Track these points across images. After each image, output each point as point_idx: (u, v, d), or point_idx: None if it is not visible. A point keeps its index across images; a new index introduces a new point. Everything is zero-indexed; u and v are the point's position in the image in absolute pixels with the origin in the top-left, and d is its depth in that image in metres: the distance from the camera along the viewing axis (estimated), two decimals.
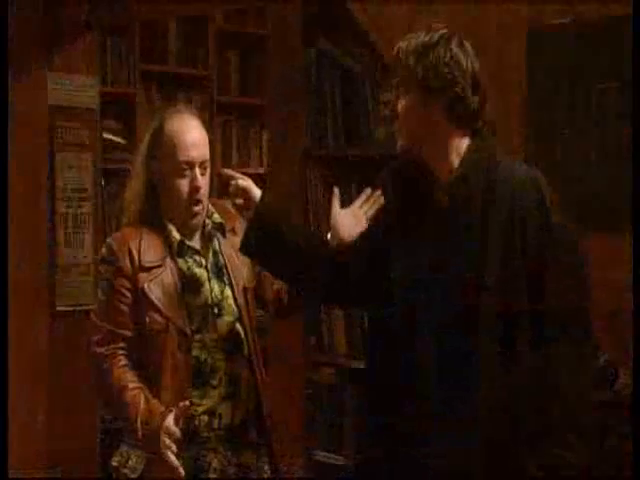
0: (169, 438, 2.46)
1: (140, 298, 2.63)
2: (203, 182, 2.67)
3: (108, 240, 2.72)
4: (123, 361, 2.62)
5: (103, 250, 2.70)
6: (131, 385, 2.58)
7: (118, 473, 2.69)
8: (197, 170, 2.65)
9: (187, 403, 2.50)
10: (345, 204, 3.85)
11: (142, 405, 2.54)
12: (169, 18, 5.72)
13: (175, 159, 2.64)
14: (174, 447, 2.46)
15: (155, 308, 2.62)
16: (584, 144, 2.83)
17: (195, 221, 2.70)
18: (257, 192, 2.55)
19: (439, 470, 2.21)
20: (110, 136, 5.56)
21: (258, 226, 2.49)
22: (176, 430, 2.47)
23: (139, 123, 5.68)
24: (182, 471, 2.46)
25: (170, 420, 2.47)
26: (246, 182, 2.56)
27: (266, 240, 2.48)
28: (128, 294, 2.63)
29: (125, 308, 2.63)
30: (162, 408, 2.52)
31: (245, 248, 2.52)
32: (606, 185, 2.79)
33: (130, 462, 2.65)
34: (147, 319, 2.62)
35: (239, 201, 2.56)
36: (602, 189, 2.80)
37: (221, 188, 2.67)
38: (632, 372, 2.68)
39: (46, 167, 4.18)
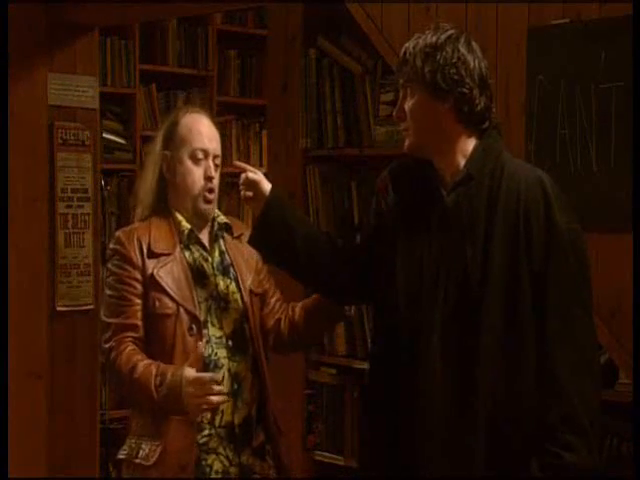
0: (193, 386, 2.45)
1: (149, 286, 2.63)
2: (216, 175, 2.71)
3: (117, 233, 2.73)
4: (131, 346, 2.61)
5: (111, 244, 2.71)
6: (141, 363, 2.56)
7: (128, 465, 2.67)
8: (211, 161, 2.70)
9: (200, 344, 2.49)
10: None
11: (154, 371, 2.53)
12: (169, 18, 5.72)
13: (191, 146, 2.69)
14: (200, 391, 2.45)
15: (165, 292, 2.63)
16: (584, 144, 2.82)
17: (206, 209, 2.71)
18: (267, 186, 2.57)
19: (439, 470, 2.21)
20: (110, 136, 5.57)
21: (267, 219, 2.51)
22: (198, 375, 2.47)
23: (139, 123, 5.69)
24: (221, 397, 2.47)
25: (187, 370, 2.47)
26: (257, 175, 2.59)
27: (274, 233, 2.51)
28: (138, 285, 2.64)
29: (135, 299, 2.63)
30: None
31: (254, 240, 2.54)
32: (606, 185, 2.79)
33: (141, 452, 2.63)
34: (157, 303, 2.62)
35: (249, 193, 2.58)
36: (602, 189, 2.80)
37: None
38: (632, 372, 2.68)
39: (46, 167, 4.17)
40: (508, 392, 2.17)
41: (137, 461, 2.64)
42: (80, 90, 4.26)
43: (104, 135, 5.38)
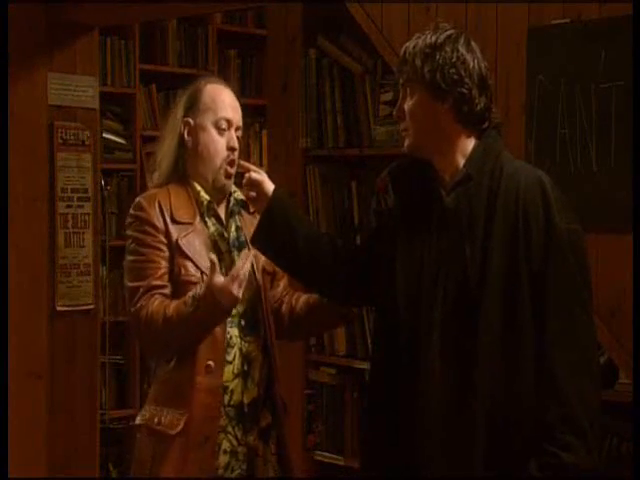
0: (224, 285, 2.43)
1: (175, 251, 2.59)
2: (238, 147, 2.70)
3: (137, 199, 2.68)
4: (161, 298, 2.56)
5: (132, 210, 2.66)
6: (173, 303, 2.53)
7: (147, 431, 2.62)
8: (233, 132, 2.70)
9: (212, 257, 2.48)
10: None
11: (183, 299, 2.52)
12: (169, 18, 5.72)
13: (215, 114, 2.68)
14: (228, 280, 2.43)
15: (190, 259, 2.59)
16: (584, 144, 2.82)
17: (226, 184, 2.69)
18: (270, 186, 2.57)
19: (439, 470, 2.21)
20: (110, 136, 5.57)
21: (269, 219, 2.51)
22: (227, 281, 2.44)
23: (139, 123, 5.69)
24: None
25: (215, 276, 2.44)
26: (260, 175, 2.59)
27: (277, 234, 2.50)
28: (164, 247, 2.60)
29: (162, 261, 2.59)
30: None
31: (256, 241, 2.54)
32: (606, 185, 2.79)
33: (164, 419, 2.59)
34: (182, 270, 2.59)
35: (252, 194, 2.58)
36: (602, 189, 2.80)
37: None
38: (632, 372, 2.68)
39: (46, 167, 4.17)
40: (507, 392, 2.17)
41: (159, 428, 2.59)
42: (80, 90, 4.26)
43: (104, 135, 5.38)
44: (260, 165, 6.00)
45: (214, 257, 2.48)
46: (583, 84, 2.82)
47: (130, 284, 2.62)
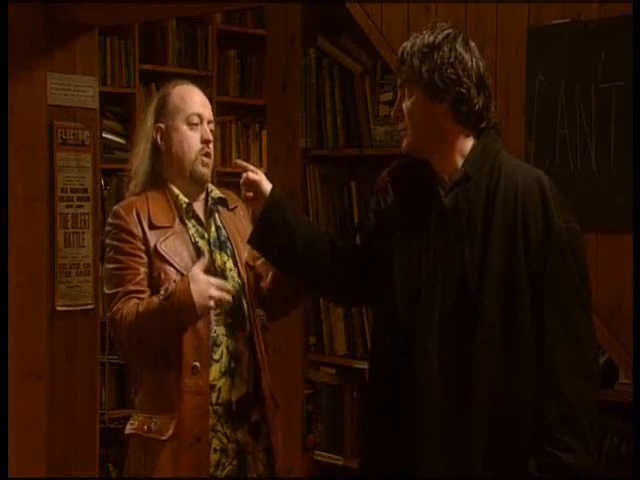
0: (201, 281, 2.47)
1: (153, 258, 2.61)
2: (212, 140, 2.72)
3: (115, 207, 2.71)
4: (136, 300, 2.57)
5: (110, 219, 2.69)
6: (144, 300, 2.55)
7: (139, 440, 2.63)
8: (206, 125, 2.72)
9: (204, 260, 2.50)
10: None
11: (157, 295, 2.54)
12: (169, 18, 5.72)
13: (185, 112, 2.71)
14: (208, 284, 2.47)
15: (169, 263, 2.61)
16: (584, 144, 2.82)
17: (204, 173, 2.70)
18: (268, 186, 2.56)
19: (438, 470, 2.21)
20: (110, 136, 5.57)
21: (267, 220, 2.50)
22: (206, 277, 2.48)
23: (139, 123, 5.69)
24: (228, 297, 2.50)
25: (194, 269, 2.48)
26: (258, 175, 2.58)
27: (274, 234, 2.50)
28: (142, 254, 2.62)
29: (141, 268, 2.61)
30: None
31: (254, 241, 2.54)
32: (606, 185, 2.79)
33: (154, 426, 2.60)
34: (162, 275, 2.60)
35: (249, 194, 2.57)
36: (602, 189, 2.80)
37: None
38: (632, 372, 2.68)
39: (46, 167, 4.18)
40: (506, 392, 2.17)
41: (149, 435, 2.60)
42: (80, 90, 4.26)
43: (104, 135, 5.38)
44: (260, 165, 5.99)
45: (206, 257, 2.52)
46: (583, 84, 2.82)
47: (108, 291, 2.64)
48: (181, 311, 2.51)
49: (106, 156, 5.30)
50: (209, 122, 2.74)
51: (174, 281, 2.54)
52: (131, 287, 2.59)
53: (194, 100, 2.75)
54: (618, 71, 2.76)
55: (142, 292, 2.60)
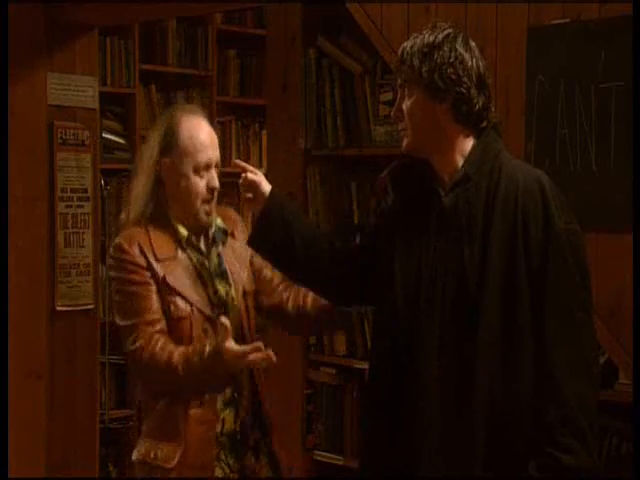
0: (236, 353, 2.46)
1: (162, 287, 2.61)
2: (218, 185, 2.69)
3: (116, 240, 2.68)
4: (162, 339, 2.57)
5: (112, 252, 2.66)
6: (177, 350, 2.54)
7: (145, 468, 2.65)
8: (213, 171, 2.68)
9: (224, 321, 2.49)
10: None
11: (191, 349, 2.53)
12: (169, 18, 5.72)
13: (194, 159, 2.64)
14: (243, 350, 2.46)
15: (178, 294, 2.61)
16: (584, 144, 2.82)
17: (208, 221, 2.69)
18: (267, 187, 2.55)
19: (438, 470, 2.21)
20: (110, 136, 5.57)
21: (266, 221, 2.50)
22: (239, 348, 2.47)
23: (139, 123, 5.69)
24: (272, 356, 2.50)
25: (229, 342, 2.47)
26: (257, 176, 2.56)
27: (274, 235, 2.49)
28: (152, 282, 2.60)
29: (153, 295, 2.60)
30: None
31: (253, 241, 2.54)
32: (606, 185, 2.79)
33: (160, 454, 2.61)
34: (172, 307, 2.60)
35: (249, 195, 2.56)
36: (602, 189, 2.80)
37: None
38: (632, 372, 2.68)
39: (46, 167, 4.18)
40: (506, 392, 2.17)
41: (155, 462, 2.62)
42: (80, 90, 4.26)
43: (104, 135, 5.38)
44: (260, 165, 6.00)
45: (227, 321, 2.49)
46: (583, 84, 2.82)
47: (123, 323, 2.62)
48: (217, 377, 2.57)
49: (106, 156, 5.30)
50: (217, 165, 2.69)
51: (207, 345, 2.52)
52: (148, 317, 2.59)
53: (203, 142, 2.66)
54: (618, 71, 2.76)
55: (159, 321, 2.59)
